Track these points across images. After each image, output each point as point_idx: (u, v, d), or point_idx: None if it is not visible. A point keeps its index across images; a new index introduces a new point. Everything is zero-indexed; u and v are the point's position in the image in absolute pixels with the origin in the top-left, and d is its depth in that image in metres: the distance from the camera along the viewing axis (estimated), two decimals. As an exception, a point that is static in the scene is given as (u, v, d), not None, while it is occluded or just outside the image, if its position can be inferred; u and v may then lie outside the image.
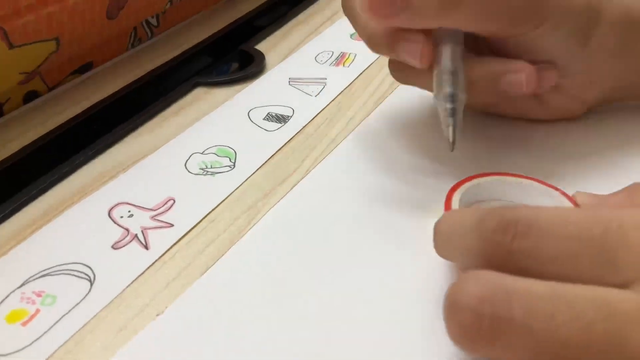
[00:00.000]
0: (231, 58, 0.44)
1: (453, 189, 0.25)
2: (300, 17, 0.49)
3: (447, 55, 0.26)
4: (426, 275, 0.23)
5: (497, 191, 0.26)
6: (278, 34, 0.46)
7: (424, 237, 0.25)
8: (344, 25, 0.46)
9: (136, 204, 0.28)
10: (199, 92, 0.39)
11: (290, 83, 0.38)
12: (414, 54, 0.26)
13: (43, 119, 0.35)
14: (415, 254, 0.24)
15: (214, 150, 0.32)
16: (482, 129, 0.32)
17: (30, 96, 0.38)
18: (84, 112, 0.35)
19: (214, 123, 0.34)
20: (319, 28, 0.47)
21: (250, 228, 0.27)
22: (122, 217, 0.27)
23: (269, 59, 0.42)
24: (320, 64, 0.41)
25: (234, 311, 0.22)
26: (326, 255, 0.25)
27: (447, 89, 0.26)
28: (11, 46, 0.33)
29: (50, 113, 0.36)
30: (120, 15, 0.41)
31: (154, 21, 0.45)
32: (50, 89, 0.39)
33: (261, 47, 0.44)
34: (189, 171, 0.30)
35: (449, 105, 0.26)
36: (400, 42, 0.26)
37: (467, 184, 0.26)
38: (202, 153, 0.32)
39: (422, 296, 0.22)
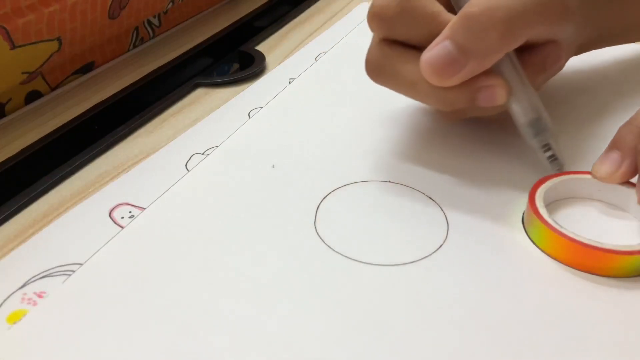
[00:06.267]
0: (231, 59, 0.44)
1: (536, 186, 0.26)
2: (300, 17, 0.49)
3: (517, 80, 0.26)
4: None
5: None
6: (278, 34, 0.47)
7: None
8: (344, 26, 0.46)
9: (137, 205, 0.28)
10: (199, 92, 0.39)
11: (291, 83, 0.38)
12: (492, 98, 0.26)
13: (43, 120, 0.36)
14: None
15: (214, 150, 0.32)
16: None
17: (33, 96, 0.38)
18: (84, 113, 0.35)
19: (214, 124, 0.35)
20: (319, 29, 0.47)
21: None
22: (122, 217, 0.27)
23: (269, 59, 0.42)
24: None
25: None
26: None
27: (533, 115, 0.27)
28: (13, 46, 0.33)
29: (51, 115, 0.36)
30: (122, 14, 0.41)
31: (155, 21, 0.46)
32: (52, 89, 0.39)
33: (261, 47, 0.44)
34: (189, 172, 0.30)
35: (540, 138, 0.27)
36: (479, 92, 0.26)
37: (549, 182, 0.26)
38: (202, 154, 0.32)
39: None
